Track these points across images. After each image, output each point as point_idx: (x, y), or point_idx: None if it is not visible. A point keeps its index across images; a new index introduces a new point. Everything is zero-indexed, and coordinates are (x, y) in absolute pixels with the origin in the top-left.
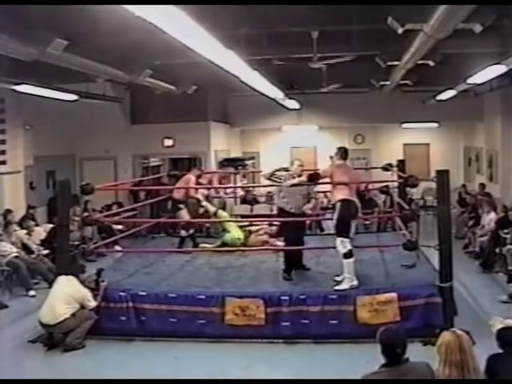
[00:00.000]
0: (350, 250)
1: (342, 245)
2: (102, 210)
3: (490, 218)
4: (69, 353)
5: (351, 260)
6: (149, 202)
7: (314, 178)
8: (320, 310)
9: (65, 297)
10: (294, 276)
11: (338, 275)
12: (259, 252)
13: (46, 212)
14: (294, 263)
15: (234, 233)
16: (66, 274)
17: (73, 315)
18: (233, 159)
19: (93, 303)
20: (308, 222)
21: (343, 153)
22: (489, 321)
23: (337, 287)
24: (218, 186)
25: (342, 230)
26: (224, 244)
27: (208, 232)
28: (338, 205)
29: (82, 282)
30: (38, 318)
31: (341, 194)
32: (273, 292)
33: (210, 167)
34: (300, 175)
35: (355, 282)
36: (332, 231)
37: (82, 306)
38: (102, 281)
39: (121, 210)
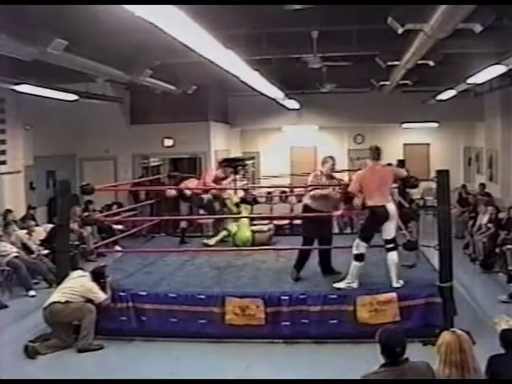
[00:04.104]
0: (362, 254)
1: (357, 246)
2: (102, 210)
3: (488, 218)
4: (69, 353)
5: (358, 264)
6: (149, 202)
7: (349, 199)
8: (320, 310)
9: (63, 289)
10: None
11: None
12: (259, 252)
13: (46, 212)
14: (304, 263)
15: (242, 235)
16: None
17: (66, 302)
18: (233, 159)
19: (101, 295)
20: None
21: (372, 152)
22: (490, 320)
23: (335, 284)
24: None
25: (364, 234)
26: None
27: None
28: (368, 212)
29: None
30: None
31: (369, 201)
32: (273, 292)
33: (210, 167)
34: (331, 176)
35: (354, 285)
36: (336, 231)
37: (91, 301)
38: (107, 276)
39: (121, 210)
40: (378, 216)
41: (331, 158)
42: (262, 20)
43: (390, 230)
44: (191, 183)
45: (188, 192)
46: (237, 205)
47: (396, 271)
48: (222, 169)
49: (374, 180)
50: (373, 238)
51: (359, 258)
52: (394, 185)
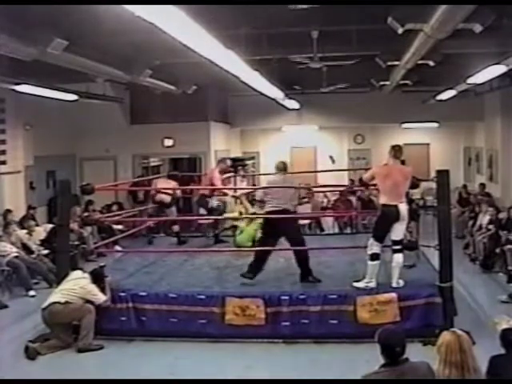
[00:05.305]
0: (376, 254)
1: (370, 246)
2: (102, 211)
3: (489, 218)
4: (69, 353)
5: (373, 263)
6: (150, 206)
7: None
8: (320, 310)
9: (62, 290)
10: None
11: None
12: None
13: (46, 212)
14: (262, 264)
15: (246, 236)
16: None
17: (66, 303)
18: (232, 159)
19: (101, 297)
20: (308, 221)
21: (395, 151)
22: (490, 320)
23: (354, 284)
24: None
25: (376, 233)
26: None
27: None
28: (379, 210)
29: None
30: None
31: (382, 198)
32: (273, 292)
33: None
34: (285, 169)
35: (371, 284)
36: (331, 231)
37: (90, 302)
38: (106, 276)
39: (123, 212)
40: (388, 215)
41: (284, 163)
42: (262, 20)
43: (399, 230)
44: (163, 184)
45: (167, 198)
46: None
47: (398, 273)
48: (219, 165)
49: (390, 178)
50: (385, 238)
51: (373, 257)
52: None
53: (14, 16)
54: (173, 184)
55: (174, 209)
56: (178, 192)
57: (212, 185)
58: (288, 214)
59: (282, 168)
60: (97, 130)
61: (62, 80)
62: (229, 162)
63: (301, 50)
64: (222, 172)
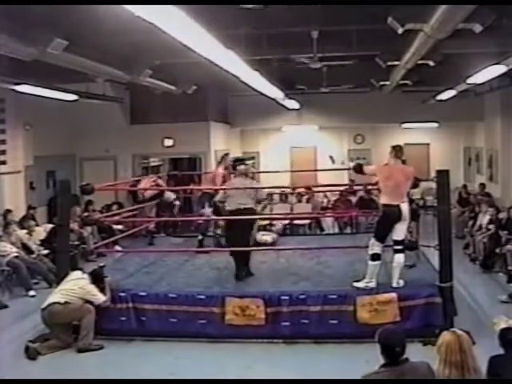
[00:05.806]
0: (377, 254)
1: (371, 246)
2: (102, 210)
3: (489, 218)
4: (69, 353)
5: (374, 263)
6: (149, 204)
7: (357, 168)
8: (320, 310)
9: (62, 290)
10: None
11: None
12: (259, 252)
13: (46, 212)
14: (242, 263)
15: None
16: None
17: (65, 303)
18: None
19: (100, 297)
20: (308, 221)
21: (395, 151)
22: (490, 320)
23: (354, 284)
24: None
25: (377, 233)
26: None
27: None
28: (381, 209)
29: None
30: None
31: (383, 198)
32: (273, 292)
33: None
34: (245, 174)
35: (371, 284)
36: (331, 231)
37: (90, 302)
38: (106, 276)
39: (123, 210)
40: (390, 215)
41: (246, 168)
42: (262, 20)
43: (401, 230)
44: (146, 183)
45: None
46: None
47: (399, 273)
48: (224, 162)
49: (392, 178)
50: (387, 238)
51: (374, 257)
52: None
53: (14, 16)
54: (155, 180)
55: (169, 193)
56: (161, 182)
57: (213, 181)
58: (252, 211)
59: (243, 172)
60: (97, 130)
61: (62, 80)
62: (231, 158)
63: (301, 50)
64: (227, 168)
